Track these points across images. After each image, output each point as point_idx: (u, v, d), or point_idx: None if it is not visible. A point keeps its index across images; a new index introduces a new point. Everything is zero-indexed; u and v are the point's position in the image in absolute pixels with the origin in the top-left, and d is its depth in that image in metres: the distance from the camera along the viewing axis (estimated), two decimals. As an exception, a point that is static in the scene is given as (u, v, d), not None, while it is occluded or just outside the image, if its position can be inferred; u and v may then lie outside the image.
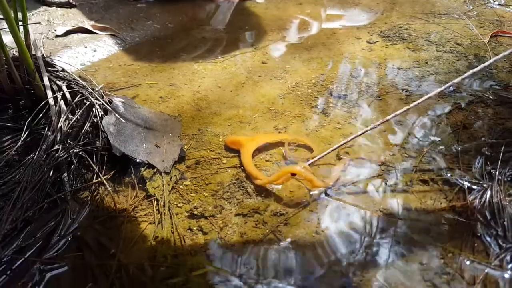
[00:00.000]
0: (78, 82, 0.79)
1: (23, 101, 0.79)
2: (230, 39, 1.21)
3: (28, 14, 1.28)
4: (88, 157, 0.68)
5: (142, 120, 0.80)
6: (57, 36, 1.16)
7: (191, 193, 0.67)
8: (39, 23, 1.19)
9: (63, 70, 0.82)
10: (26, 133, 0.70)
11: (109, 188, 0.66)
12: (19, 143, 0.68)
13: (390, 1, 1.48)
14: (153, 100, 0.91)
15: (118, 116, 0.74)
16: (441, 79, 0.96)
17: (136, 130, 0.76)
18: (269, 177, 0.66)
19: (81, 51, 1.09)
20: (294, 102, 0.90)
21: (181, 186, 0.68)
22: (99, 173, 0.67)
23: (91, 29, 1.19)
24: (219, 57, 1.09)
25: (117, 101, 0.81)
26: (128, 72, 1.02)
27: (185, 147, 0.77)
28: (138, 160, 0.70)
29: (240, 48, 1.14)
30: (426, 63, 1.03)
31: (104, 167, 0.69)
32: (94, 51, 1.10)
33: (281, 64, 1.06)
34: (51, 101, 0.71)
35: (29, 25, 0.77)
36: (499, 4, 1.41)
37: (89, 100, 0.73)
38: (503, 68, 0.99)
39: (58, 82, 0.76)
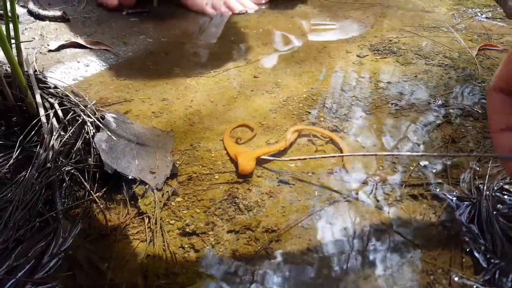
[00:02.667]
0: (70, 99, 0.79)
1: (15, 118, 0.79)
2: (222, 53, 1.22)
3: (21, 28, 1.28)
4: (79, 175, 0.68)
5: (134, 136, 0.80)
6: (50, 50, 1.17)
7: (183, 210, 0.67)
8: (31, 40, 1.19)
9: (56, 87, 0.82)
10: (18, 151, 0.70)
11: (101, 206, 0.66)
12: (11, 161, 0.68)
13: (380, 14, 1.51)
14: (145, 115, 0.91)
15: (110, 134, 0.74)
16: (430, 92, 0.98)
17: (128, 146, 0.77)
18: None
19: (74, 66, 1.09)
20: (285, 116, 0.91)
21: (173, 203, 0.68)
22: (91, 191, 0.67)
23: (84, 43, 1.20)
24: (212, 71, 1.11)
25: (109, 117, 0.81)
26: (120, 87, 1.02)
27: (177, 162, 0.77)
28: (130, 177, 0.70)
29: (232, 62, 1.16)
30: (416, 76, 1.05)
31: (96, 184, 0.70)
32: (87, 66, 1.10)
33: (273, 78, 1.07)
34: (43, 119, 0.71)
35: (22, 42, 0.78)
36: (486, 18, 1.44)
37: (81, 117, 0.74)
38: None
39: (50, 100, 0.76)
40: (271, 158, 0.77)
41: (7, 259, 0.55)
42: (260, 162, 0.76)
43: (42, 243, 0.58)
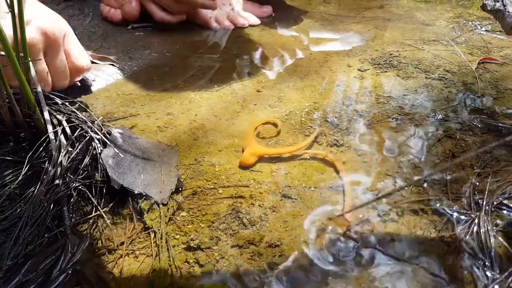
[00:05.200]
0: (78, 115, 0.81)
1: (23, 134, 0.81)
2: (225, 67, 1.24)
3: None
4: (87, 190, 0.70)
5: (140, 150, 0.82)
6: (57, 65, 1.19)
7: (187, 225, 0.68)
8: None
9: (63, 103, 0.85)
10: (27, 167, 0.71)
11: (108, 221, 0.68)
12: (20, 177, 0.70)
13: (381, 27, 1.53)
14: (150, 130, 0.93)
15: (116, 150, 0.76)
16: (430, 106, 0.99)
17: (134, 162, 0.78)
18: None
19: (80, 80, 1.11)
20: (288, 130, 0.92)
21: (178, 218, 0.70)
22: (98, 206, 0.69)
23: (90, 58, 1.22)
24: (215, 86, 1.13)
25: (116, 132, 0.83)
26: (126, 102, 1.04)
27: (182, 177, 0.79)
28: (136, 192, 0.72)
29: (236, 76, 1.18)
30: (416, 90, 1.07)
31: (103, 200, 0.71)
32: (93, 80, 1.12)
33: (275, 92, 1.09)
34: (52, 136, 0.73)
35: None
36: (486, 30, 1.46)
37: (89, 134, 0.76)
38: (490, 95, 1.03)
39: (58, 116, 0.78)
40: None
41: (16, 275, 0.57)
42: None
43: (50, 258, 0.59)
